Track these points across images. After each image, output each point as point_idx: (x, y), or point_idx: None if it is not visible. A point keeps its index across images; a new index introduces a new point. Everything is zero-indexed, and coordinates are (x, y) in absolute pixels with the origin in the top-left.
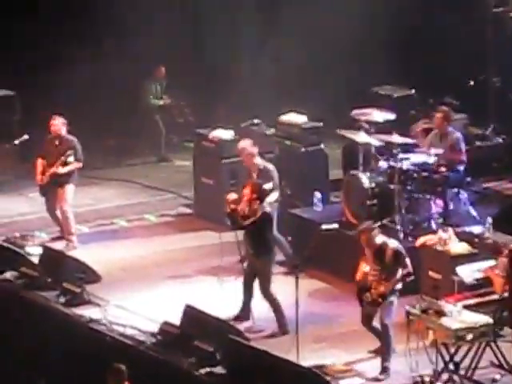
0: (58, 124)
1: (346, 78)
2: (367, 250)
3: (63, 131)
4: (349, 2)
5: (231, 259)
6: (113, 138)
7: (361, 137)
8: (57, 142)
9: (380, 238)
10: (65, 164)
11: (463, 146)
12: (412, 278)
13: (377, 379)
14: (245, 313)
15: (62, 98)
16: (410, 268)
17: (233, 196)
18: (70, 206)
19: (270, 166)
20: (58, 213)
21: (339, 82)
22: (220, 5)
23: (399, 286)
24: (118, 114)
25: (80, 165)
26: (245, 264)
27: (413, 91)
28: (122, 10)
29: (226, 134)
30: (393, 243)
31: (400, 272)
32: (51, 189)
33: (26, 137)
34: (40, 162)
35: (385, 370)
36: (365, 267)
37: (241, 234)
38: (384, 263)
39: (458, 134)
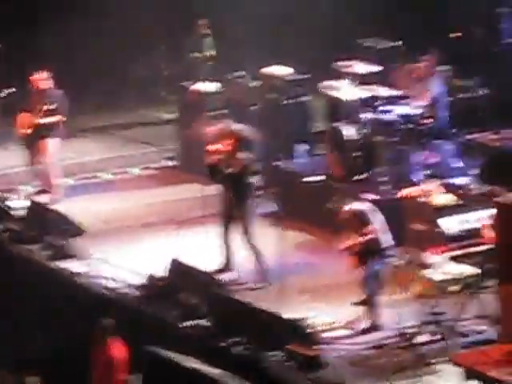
0: (43, 78)
1: (335, 31)
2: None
3: (48, 85)
4: None
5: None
6: (100, 90)
7: (342, 91)
8: (42, 96)
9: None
10: (47, 115)
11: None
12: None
13: (361, 331)
14: (228, 264)
15: (49, 51)
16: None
17: (216, 146)
18: (56, 159)
19: None
20: (42, 166)
21: (328, 34)
22: None
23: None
24: (105, 67)
25: (62, 118)
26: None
27: (398, 43)
28: None
29: (210, 87)
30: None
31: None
32: (35, 141)
33: (12, 89)
34: (23, 115)
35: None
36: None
37: None
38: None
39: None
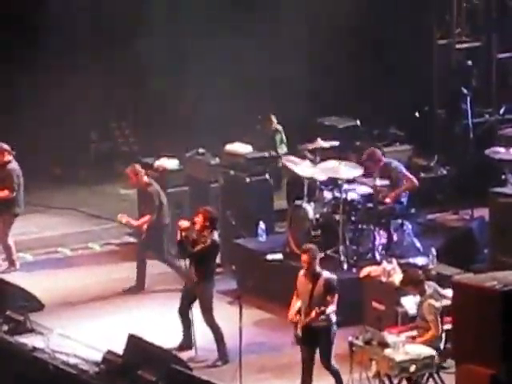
0: (2, 152)
1: (295, 108)
2: (305, 271)
3: (5, 159)
4: (296, 25)
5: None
6: (59, 166)
7: (304, 169)
8: None
9: (318, 268)
10: None
11: (405, 171)
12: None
13: None
14: (187, 342)
15: (9, 123)
16: (334, 305)
17: (185, 224)
18: (10, 236)
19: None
20: None
21: (288, 111)
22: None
23: (334, 318)
24: (67, 141)
25: (9, 194)
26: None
27: (358, 122)
28: None
29: (170, 164)
30: (328, 274)
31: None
32: None
33: None
34: None
35: None
36: (296, 304)
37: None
38: (314, 292)
39: (395, 163)
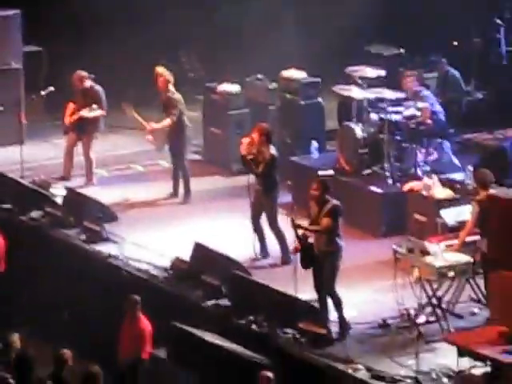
0: (84, 77)
1: (340, 37)
2: (314, 197)
3: (87, 84)
4: None
5: (239, 201)
6: (133, 89)
7: (354, 92)
8: (84, 93)
9: (327, 196)
10: (90, 110)
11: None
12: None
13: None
14: (264, 249)
15: (88, 53)
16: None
17: (245, 140)
18: (92, 151)
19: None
20: (79, 157)
21: (334, 40)
22: None
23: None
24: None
25: (103, 112)
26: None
27: (402, 50)
28: None
29: (232, 88)
30: (335, 201)
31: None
32: (75, 132)
33: (51, 88)
34: (70, 106)
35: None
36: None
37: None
38: (320, 215)
39: (424, 92)
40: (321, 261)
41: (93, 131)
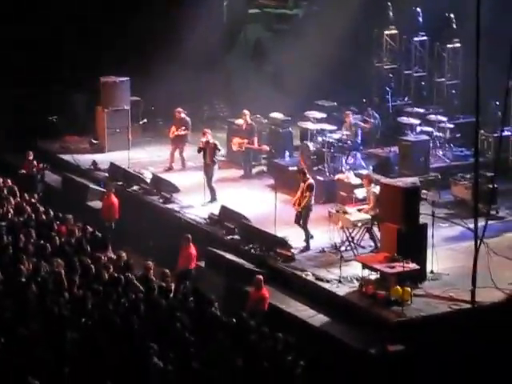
0: (180, 111)
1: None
2: (301, 177)
3: (181, 115)
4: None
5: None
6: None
7: (309, 125)
8: (179, 121)
9: (308, 176)
10: (182, 130)
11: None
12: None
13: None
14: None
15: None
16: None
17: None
18: (183, 154)
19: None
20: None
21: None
22: None
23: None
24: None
25: (188, 132)
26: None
27: (335, 103)
28: None
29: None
30: (311, 180)
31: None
32: (174, 142)
33: (144, 120)
34: (172, 128)
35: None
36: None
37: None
38: (302, 188)
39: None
40: (302, 212)
41: (184, 142)
